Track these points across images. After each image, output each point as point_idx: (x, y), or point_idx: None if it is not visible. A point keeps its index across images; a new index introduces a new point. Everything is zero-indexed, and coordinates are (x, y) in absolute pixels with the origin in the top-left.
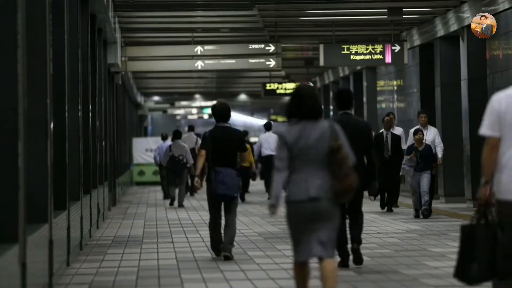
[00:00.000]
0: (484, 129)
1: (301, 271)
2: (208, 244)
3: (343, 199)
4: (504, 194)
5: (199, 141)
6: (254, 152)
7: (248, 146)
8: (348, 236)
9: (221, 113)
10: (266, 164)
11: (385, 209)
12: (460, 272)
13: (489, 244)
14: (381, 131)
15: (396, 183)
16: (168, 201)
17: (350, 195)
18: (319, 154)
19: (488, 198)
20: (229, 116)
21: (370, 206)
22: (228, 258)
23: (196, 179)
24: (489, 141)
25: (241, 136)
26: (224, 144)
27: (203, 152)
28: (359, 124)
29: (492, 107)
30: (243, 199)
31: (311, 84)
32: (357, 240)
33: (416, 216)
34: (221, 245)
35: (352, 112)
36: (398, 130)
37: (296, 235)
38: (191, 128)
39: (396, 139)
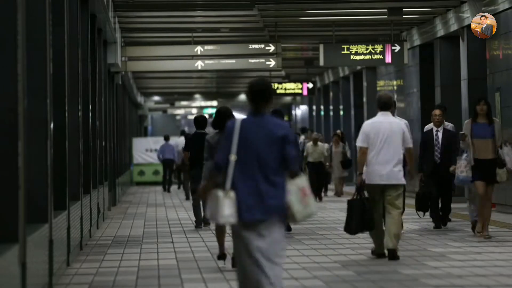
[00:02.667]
0: (358, 143)
1: (219, 231)
2: (208, 244)
3: None
4: (369, 180)
5: None
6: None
7: None
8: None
9: (201, 123)
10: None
11: (435, 225)
12: (346, 228)
13: (360, 210)
14: (429, 127)
15: (448, 192)
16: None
17: None
18: None
19: (361, 183)
20: (206, 125)
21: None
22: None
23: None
24: (361, 149)
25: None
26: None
27: (186, 153)
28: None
29: (363, 129)
30: None
31: (228, 106)
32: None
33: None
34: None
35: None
36: (448, 127)
37: None
38: (183, 133)
39: (450, 136)
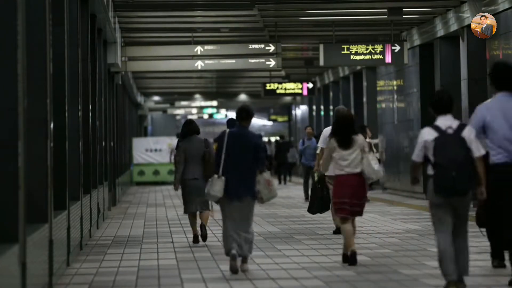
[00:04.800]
0: (320, 144)
1: (192, 217)
2: (208, 244)
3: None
4: (331, 173)
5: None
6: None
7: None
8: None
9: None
10: None
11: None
12: (309, 209)
13: (320, 195)
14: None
15: None
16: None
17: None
18: (199, 155)
19: (324, 176)
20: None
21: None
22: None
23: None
24: (322, 150)
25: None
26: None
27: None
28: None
29: (323, 134)
30: None
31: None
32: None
33: None
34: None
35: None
36: None
37: (186, 198)
38: (178, 135)
39: None
